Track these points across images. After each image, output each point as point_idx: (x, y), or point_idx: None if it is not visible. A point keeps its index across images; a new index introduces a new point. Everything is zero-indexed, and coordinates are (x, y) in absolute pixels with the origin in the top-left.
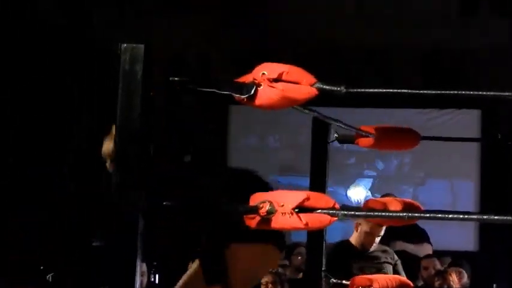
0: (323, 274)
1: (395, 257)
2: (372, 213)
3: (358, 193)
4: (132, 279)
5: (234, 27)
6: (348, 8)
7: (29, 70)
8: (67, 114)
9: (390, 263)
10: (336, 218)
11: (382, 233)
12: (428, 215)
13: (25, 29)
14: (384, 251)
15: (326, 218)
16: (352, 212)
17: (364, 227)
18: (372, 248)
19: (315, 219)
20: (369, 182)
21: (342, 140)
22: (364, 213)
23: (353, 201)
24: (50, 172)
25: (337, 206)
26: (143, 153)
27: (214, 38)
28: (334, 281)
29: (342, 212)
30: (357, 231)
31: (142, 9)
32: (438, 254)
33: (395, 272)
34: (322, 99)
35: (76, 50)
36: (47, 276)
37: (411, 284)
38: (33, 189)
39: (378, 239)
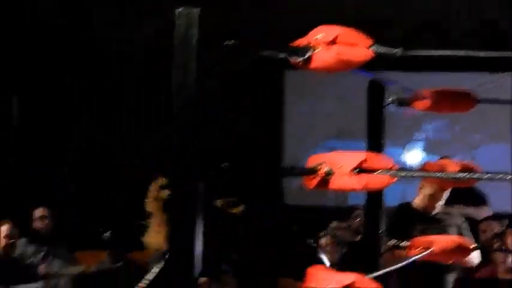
0: (381, 236)
1: (461, 219)
2: (430, 174)
3: (413, 156)
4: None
5: None
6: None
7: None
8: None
9: (455, 226)
10: (395, 179)
11: (445, 197)
12: (486, 175)
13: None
14: (448, 214)
15: (385, 179)
16: (411, 173)
17: (427, 190)
18: (435, 212)
19: (373, 180)
20: (424, 145)
21: (398, 102)
22: (422, 173)
23: (408, 165)
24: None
25: (395, 167)
26: (198, 118)
27: None
28: (393, 242)
29: (401, 172)
30: (419, 194)
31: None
32: (496, 217)
33: (460, 234)
34: (378, 62)
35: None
36: (105, 234)
37: (471, 246)
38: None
39: (440, 203)
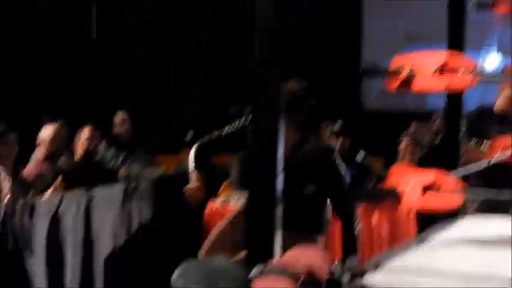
0: (462, 136)
1: None
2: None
3: (491, 61)
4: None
5: None
6: None
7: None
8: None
9: None
10: (476, 80)
11: None
12: None
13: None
14: None
15: (467, 79)
16: (493, 75)
17: (508, 92)
18: None
19: (456, 81)
20: (502, 50)
21: (481, 5)
22: (504, 76)
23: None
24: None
25: (477, 68)
26: None
27: None
28: (473, 143)
29: (482, 74)
30: (500, 97)
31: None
32: None
33: None
34: None
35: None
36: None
37: None
38: (114, 94)
39: None
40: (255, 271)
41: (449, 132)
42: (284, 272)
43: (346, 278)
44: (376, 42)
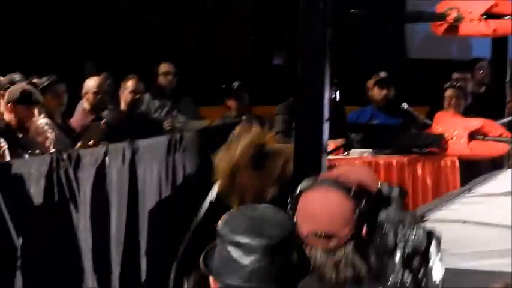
0: (507, 85)
1: None
2: None
3: None
4: None
5: None
6: None
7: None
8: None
9: None
10: None
11: None
12: None
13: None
14: None
15: None
16: None
17: None
18: None
19: (503, 26)
20: None
21: None
22: None
23: None
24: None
25: None
26: None
27: None
28: None
29: None
30: None
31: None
32: None
33: None
34: None
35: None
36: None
37: None
38: (158, 45)
39: None
40: (305, 183)
41: (495, 80)
42: (335, 183)
43: (395, 193)
44: None
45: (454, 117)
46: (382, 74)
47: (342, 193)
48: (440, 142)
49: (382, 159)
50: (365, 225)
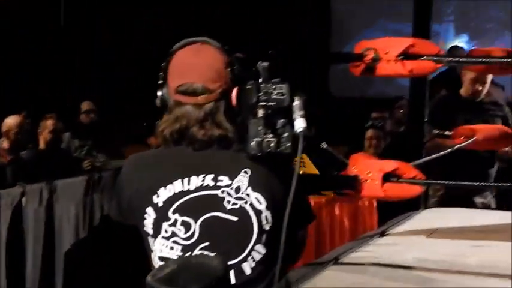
0: (425, 125)
1: (507, 110)
2: (474, 60)
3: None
4: None
5: None
6: None
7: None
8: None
9: (500, 116)
10: (440, 65)
11: (489, 80)
12: None
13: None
14: (494, 104)
15: (430, 65)
16: (457, 59)
17: (469, 74)
18: (480, 98)
19: (419, 66)
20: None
21: None
22: (467, 59)
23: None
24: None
25: (442, 52)
26: None
27: None
28: (437, 131)
29: (447, 58)
30: (463, 81)
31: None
32: None
33: (506, 125)
34: None
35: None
36: None
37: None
38: (80, 84)
39: (485, 88)
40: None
41: (413, 119)
42: (210, 39)
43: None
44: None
45: (368, 158)
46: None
47: (215, 47)
48: (355, 184)
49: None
50: (236, 87)
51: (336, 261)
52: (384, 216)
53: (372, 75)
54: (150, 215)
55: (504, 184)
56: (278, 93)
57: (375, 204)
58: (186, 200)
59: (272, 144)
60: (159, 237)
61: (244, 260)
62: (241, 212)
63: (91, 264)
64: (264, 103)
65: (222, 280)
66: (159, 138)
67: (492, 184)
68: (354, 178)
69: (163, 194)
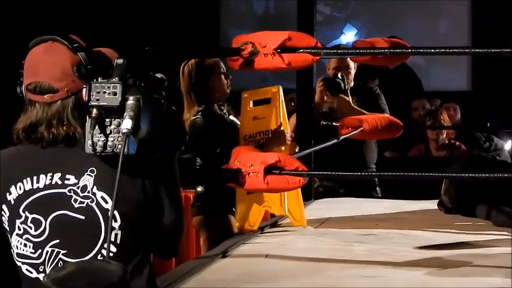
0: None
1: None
2: (353, 51)
3: (350, 37)
4: None
5: None
6: None
7: None
8: None
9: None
10: (318, 57)
11: (352, 66)
12: (410, 50)
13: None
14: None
15: (308, 57)
16: (334, 50)
17: (332, 63)
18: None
19: (297, 59)
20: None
21: None
22: (345, 51)
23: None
24: None
25: (319, 45)
26: None
27: None
28: (324, 123)
29: (324, 50)
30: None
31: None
32: (431, 95)
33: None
34: None
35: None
36: None
37: (400, 123)
38: None
39: (350, 75)
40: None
41: (301, 112)
42: (62, 36)
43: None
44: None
45: (250, 151)
46: None
47: (64, 45)
48: (237, 177)
49: (187, 193)
50: (86, 86)
51: (224, 254)
52: None
53: (250, 69)
54: (6, 212)
55: (386, 173)
56: (110, 93)
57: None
58: (35, 198)
59: (103, 144)
60: (14, 234)
61: (94, 258)
62: (88, 211)
63: None
64: (96, 103)
65: (119, 285)
66: (13, 136)
67: (376, 173)
68: (236, 171)
69: (14, 192)
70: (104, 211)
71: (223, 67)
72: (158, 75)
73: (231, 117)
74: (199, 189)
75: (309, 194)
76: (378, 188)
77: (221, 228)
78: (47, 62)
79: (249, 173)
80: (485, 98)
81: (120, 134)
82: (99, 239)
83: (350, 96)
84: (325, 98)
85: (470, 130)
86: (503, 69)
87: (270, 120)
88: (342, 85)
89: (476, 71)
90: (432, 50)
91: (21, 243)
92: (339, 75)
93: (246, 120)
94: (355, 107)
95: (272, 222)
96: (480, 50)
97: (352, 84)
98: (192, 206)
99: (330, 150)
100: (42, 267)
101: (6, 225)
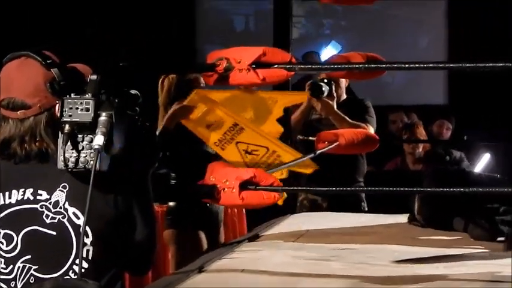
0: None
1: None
2: (327, 66)
3: (330, 53)
4: None
5: None
6: None
7: None
8: None
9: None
10: (293, 73)
11: (344, 85)
12: (384, 65)
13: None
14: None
15: (283, 73)
16: (309, 66)
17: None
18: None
19: (272, 74)
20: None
21: None
22: (320, 66)
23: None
24: None
25: (294, 60)
26: None
27: None
28: (301, 137)
29: (299, 66)
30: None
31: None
32: (408, 109)
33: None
34: None
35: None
36: None
37: (377, 137)
38: None
39: (341, 90)
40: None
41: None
42: (36, 52)
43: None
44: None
45: (226, 167)
46: None
47: (37, 61)
48: (212, 193)
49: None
50: (58, 102)
51: (200, 269)
52: (255, 222)
53: (225, 84)
54: None
55: (371, 188)
56: (83, 109)
57: (244, 210)
58: (7, 214)
59: (75, 160)
60: None
61: (66, 273)
62: (59, 227)
63: None
64: (69, 119)
65: None
66: None
67: (358, 189)
68: (212, 187)
69: None
70: (76, 227)
71: (203, 82)
72: (132, 91)
73: None
74: (171, 203)
75: (293, 208)
76: (362, 203)
77: (190, 245)
78: (20, 78)
79: (224, 189)
80: (462, 111)
81: (92, 150)
82: (71, 254)
83: (335, 103)
84: (313, 103)
85: (447, 144)
86: (480, 83)
87: (222, 116)
88: (324, 88)
89: (453, 85)
90: (407, 65)
91: None
92: (325, 80)
93: (202, 132)
94: (339, 112)
95: (249, 236)
96: (454, 65)
97: (344, 97)
98: (164, 219)
99: (321, 163)
100: (14, 282)
101: None
